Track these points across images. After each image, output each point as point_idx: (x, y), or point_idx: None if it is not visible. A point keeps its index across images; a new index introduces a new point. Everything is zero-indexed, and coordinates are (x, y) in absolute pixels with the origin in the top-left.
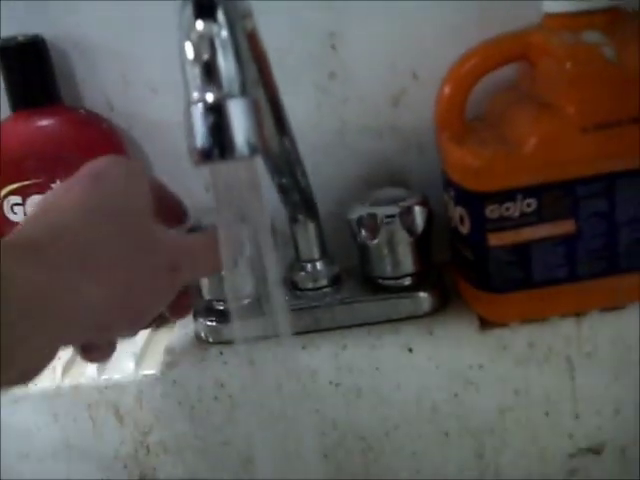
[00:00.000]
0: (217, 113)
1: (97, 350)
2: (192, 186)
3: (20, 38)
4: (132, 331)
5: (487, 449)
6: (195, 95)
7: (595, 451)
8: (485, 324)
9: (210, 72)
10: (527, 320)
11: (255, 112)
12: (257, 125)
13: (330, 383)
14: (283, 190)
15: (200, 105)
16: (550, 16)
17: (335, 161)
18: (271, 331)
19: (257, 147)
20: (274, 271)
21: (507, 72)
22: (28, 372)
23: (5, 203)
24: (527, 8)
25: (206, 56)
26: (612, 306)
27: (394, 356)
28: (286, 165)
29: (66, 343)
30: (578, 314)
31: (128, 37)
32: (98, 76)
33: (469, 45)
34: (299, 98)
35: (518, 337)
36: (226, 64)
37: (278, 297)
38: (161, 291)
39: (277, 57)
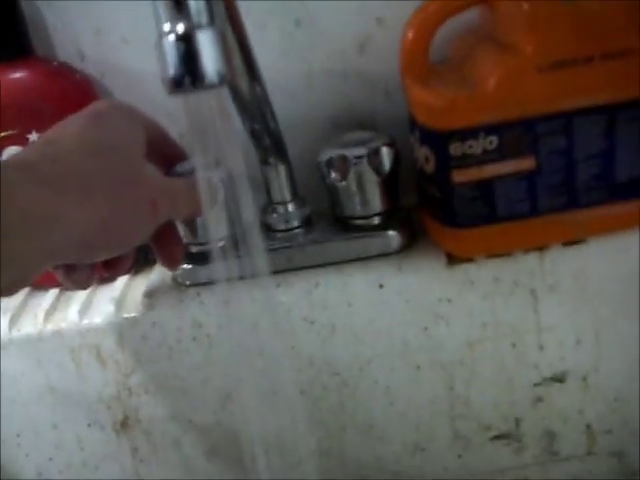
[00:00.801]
0: (187, 43)
1: (78, 272)
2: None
3: None
4: (112, 254)
5: (457, 380)
6: (166, 27)
7: (559, 379)
8: (452, 260)
9: (179, 5)
10: (492, 255)
11: (223, 42)
12: (225, 55)
13: (304, 320)
14: (254, 134)
15: (171, 36)
16: None
17: (303, 105)
18: (248, 271)
19: (225, 76)
20: (250, 211)
21: (471, 15)
22: (17, 283)
23: None
24: None
25: None
26: (573, 239)
27: (365, 292)
28: (256, 108)
29: (55, 258)
30: (541, 248)
31: None
32: (70, 27)
33: None
34: (266, 45)
35: (484, 272)
36: None
37: (255, 237)
38: (141, 222)
39: (244, 5)
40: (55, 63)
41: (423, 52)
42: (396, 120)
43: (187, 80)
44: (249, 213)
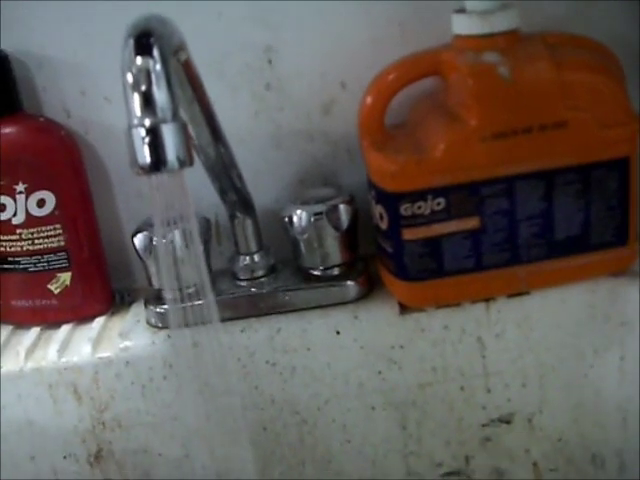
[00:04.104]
0: (153, 135)
1: None
2: (143, 187)
3: None
4: None
5: (410, 421)
6: (135, 120)
7: (505, 420)
8: (405, 309)
9: (147, 101)
10: (442, 305)
11: (184, 134)
12: (185, 144)
13: (267, 362)
14: (221, 191)
15: (139, 128)
16: (458, 37)
17: (272, 164)
18: (207, 318)
19: (185, 161)
20: (204, 270)
21: (429, 81)
22: None
23: None
24: (440, 26)
25: (144, 87)
26: (516, 292)
27: (323, 338)
28: (222, 169)
29: None
30: (487, 299)
31: (84, 51)
32: (56, 86)
33: (392, 59)
34: (238, 107)
35: (434, 320)
36: (160, 94)
37: (207, 291)
38: None
39: (219, 70)
40: (42, 119)
41: (380, 117)
42: (357, 177)
43: (152, 166)
44: (203, 272)
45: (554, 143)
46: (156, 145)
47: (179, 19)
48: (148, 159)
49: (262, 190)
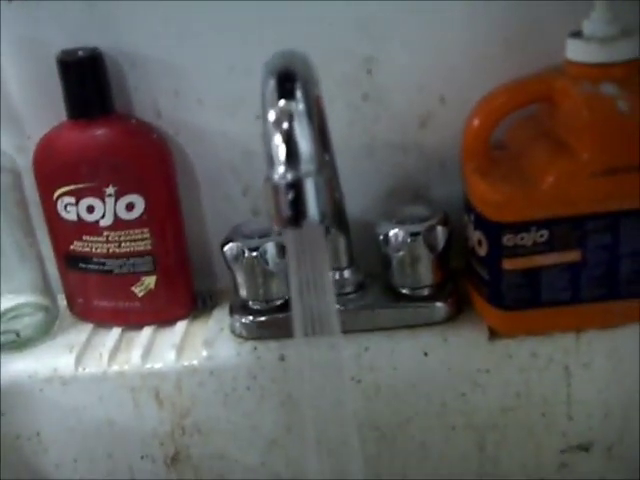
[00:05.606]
0: (296, 189)
1: None
2: (230, 190)
3: (80, 53)
4: None
5: (488, 443)
6: (278, 170)
7: (584, 448)
8: (494, 334)
9: (290, 152)
10: (532, 333)
11: (328, 187)
12: (328, 199)
13: (352, 379)
14: None
15: (283, 182)
16: (572, 63)
17: (363, 174)
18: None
19: (327, 216)
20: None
21: None
22: None
23: (59, 202)
24: (548, 46)
25: (287, 137)
26: (609, 326)
27: (410, 358)
28: None
29: None
30: (578, 330)
31: (179, 51)
32: (149, 86)
33: (493, 74)
34: (333, 115)
35: (523, 347)
36: (305, 145)
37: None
38: None
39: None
40: (134, 121)
41: (486, 141)
42: (449, 192)
43: (294, 220)
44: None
45: None
46: (299, 199)
47: (281, 21)
48: (289, 214)
49: (351, 199)
